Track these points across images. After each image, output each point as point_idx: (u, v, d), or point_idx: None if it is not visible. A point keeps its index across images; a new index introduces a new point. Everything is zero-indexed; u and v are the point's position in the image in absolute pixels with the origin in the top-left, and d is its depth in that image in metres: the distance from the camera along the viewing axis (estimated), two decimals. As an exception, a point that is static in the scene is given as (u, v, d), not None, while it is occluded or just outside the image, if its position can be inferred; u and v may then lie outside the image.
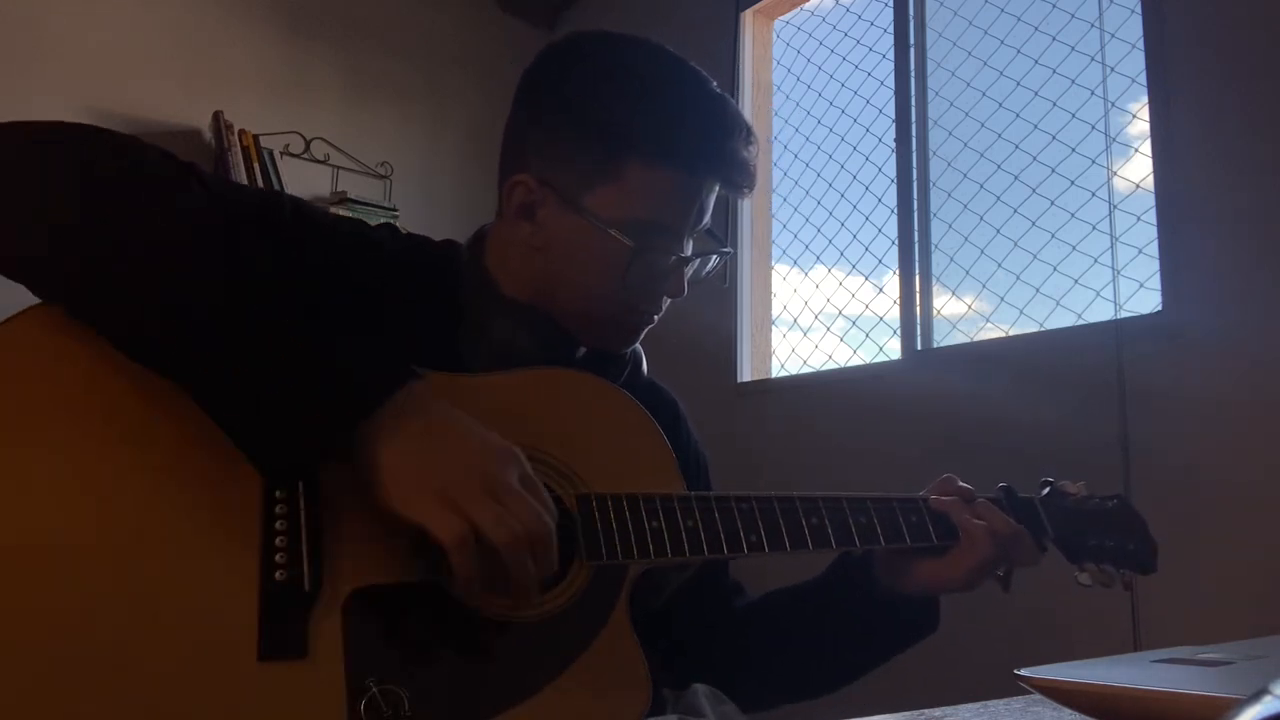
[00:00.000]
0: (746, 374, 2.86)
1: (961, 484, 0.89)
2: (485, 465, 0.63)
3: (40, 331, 0.63)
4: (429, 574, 0.65)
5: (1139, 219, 2.09)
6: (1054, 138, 2.29)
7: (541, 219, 0.83)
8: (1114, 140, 2.19)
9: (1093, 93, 2.23)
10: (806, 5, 3.04)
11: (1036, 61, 2.35)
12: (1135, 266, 2.09)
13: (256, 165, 2.83)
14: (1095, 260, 2.17)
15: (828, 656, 0.92)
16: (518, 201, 0.84)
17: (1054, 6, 2.33)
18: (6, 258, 0.64)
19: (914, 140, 2.56)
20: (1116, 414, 1.91)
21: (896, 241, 2.56)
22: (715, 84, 0.85)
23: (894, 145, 2.61)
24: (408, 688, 0.61)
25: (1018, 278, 2.32)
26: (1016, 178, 2.35)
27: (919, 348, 2.47)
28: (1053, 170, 2.29)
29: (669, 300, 0.87)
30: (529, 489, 0.65)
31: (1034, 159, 2.32)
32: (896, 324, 2.53)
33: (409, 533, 0.64)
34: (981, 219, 2.41)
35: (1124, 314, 2.10)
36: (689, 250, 0.86)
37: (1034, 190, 2.32)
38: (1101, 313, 2.15)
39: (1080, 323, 2.18)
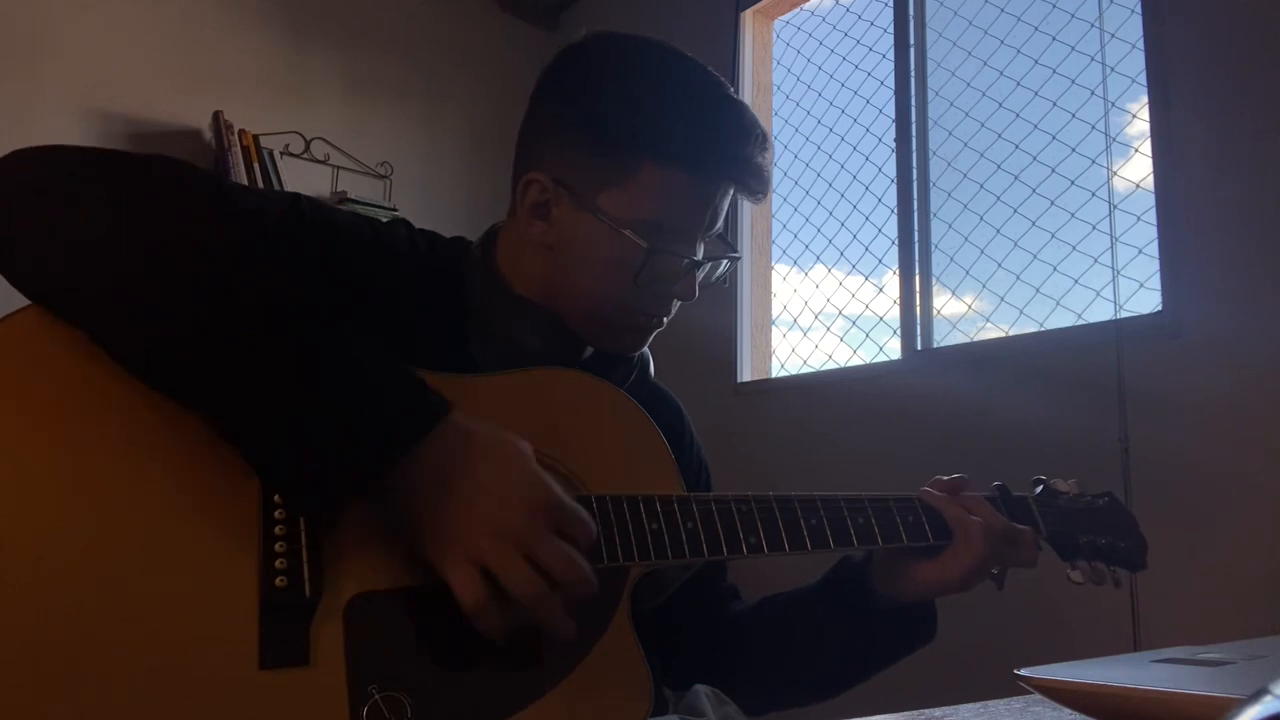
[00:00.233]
0: (746, 374, 2.86)
1: (955, 477, 0.89)
2: (515, 516, 0.62)
3: (37, 333, 0.63)
4: (433, 580, 0.65)
5: (1139, 219, 2.09)
6: (1054, 138, 2.29)
7: (555, 218, 0.83)
8: (1114, 140, 2.19)
9: (1093, 93, 2.23)
10: (806, 5, 3.04)
11: (1036, 61, 2.35)
12: (1135, 266, 2.10)
13: (256, 165, 2.83)
14: (1095, 260, 2.17)
15: (823, 664, 0.92)
16: (531, 200, 0.84)
17: (1054, 6, 2.34)
18: (27, 276, 0.64)
19: (914, 140, 2.56)
20: (1116, 414, 1.91)
21: (896, 241, 2.56)
22: (731, 88, 0.85)
23: (894, 145, 2.61)
24: (410, 694, 0.61)
25: (1018, 278, 2.32)
26: (1016, 178, 2.35)
27: (919, 348, 2.47)
28: (1053, 170, 2.29)
29: (678, 304, 0.87)
30: (566, 526, 0.64)
31: (1034, 159, 2.32)
32: (896, 324, 2.53)
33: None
34: (981, 219, 2.41)
35: (1124, 314, 2.10)
36: (700, 254, 0.86)
37: (1034, 190, 2.32)
38: (1101, 313, 2.15)
39: (1080, 323, 2.18)
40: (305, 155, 3.00)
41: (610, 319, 0.85)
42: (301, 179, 2.96)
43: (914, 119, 2.56)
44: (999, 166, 2.39)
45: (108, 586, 0.57)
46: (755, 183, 0.85)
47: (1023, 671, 0.45)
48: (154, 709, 0.56)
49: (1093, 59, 2.24)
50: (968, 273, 2.44)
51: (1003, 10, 2.44)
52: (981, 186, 2.42)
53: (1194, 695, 0.39)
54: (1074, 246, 2.22)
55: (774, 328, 2.96)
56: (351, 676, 0.60)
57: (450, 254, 0.88)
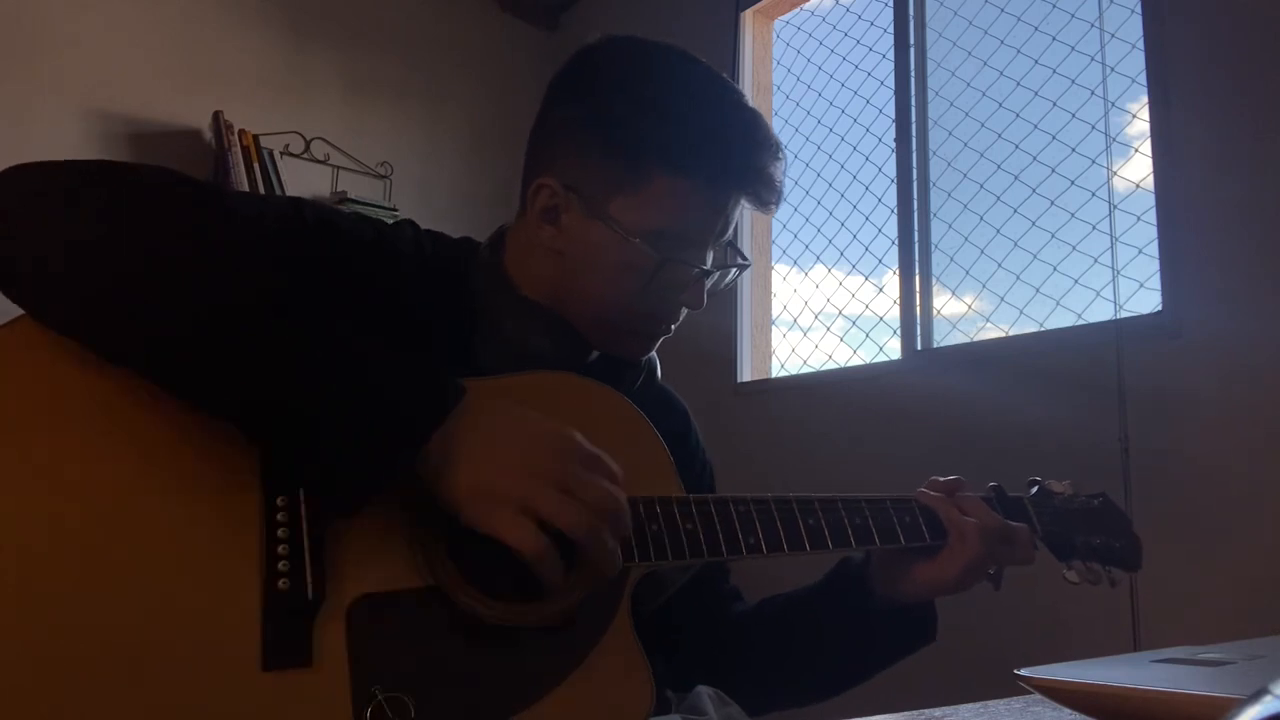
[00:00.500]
0: (746, 374, 2.86)
1: (951, 479, 0.89)
2: (551, 463, 0.64)
3: (39, 337, 0.63)
4: (435, 580, 0.65)
5: (1139, 219, 2.09)
6: (1054, 138, 2.29)
7: (564, 224, 0.83)
8: (1114, 140, 2.19)
9: (1093, 93, 2.23)
10: (806, 5, 3.04)
11: (1036, 61, 2.35)
12: (1135, 266, 2.10)
13: (256, 165, 2.83)
14: (1095, 260, 2.17)
15: (823, 665, 0.92)
16: (541, 205, 0.84)
17: (1054, 6, 2.34)
18: (28, 286, 0.63)
19: (914, 140, 2.56)
20: (1116, 414, 1.91)
21: (896, 241, 2.56)
22: (746, 98, 0.85)
23: (894, 145, 2.61)
24: (413, 695, 0.61)
25: (1018, 278, 2.32)
26: (1016, 178, 2.35)
27: (919, 348, 2.47)
28: (1053, 170, 2.29)
29: (686, 311, 0.87)
30: (594, 466, 0.66)
31: (1034, 159, 2.33)
32: (896, 324, 2.53)
33: (412, 538, 0.64)
34: (981, 219, 2.41)
35: (1124, 314, 2.10)
36: (710, 262, 0.86)
37: (1034, 190, 2.32)
38: (1101, 313, 2.15)
39: (1080, 323, 2.18)
40: (305, 155, 3.00)
41: (618, 324, 0.85)
42: (301, 179, 2.96)
43: (914, 119, 2.56)
44: (999, 166, 2.39)
45: (109, 589, 0.57)
46: (767, 193, 0.84)
47: (1023, 671, 0.45)
48: (157, 711, 0.56)
49: (1093, 59, 2.24)
50: (968, 273, 2.44)
51: (1003, 10, 2.44)
52: (981, 186, 2.42)
53: (1194, 695, 0.39)
54: (1074, 246, 2.22)
55: (774, 328, 2.96)
56: (354, 678, 0.60)
57: (456, 255, 0.88)
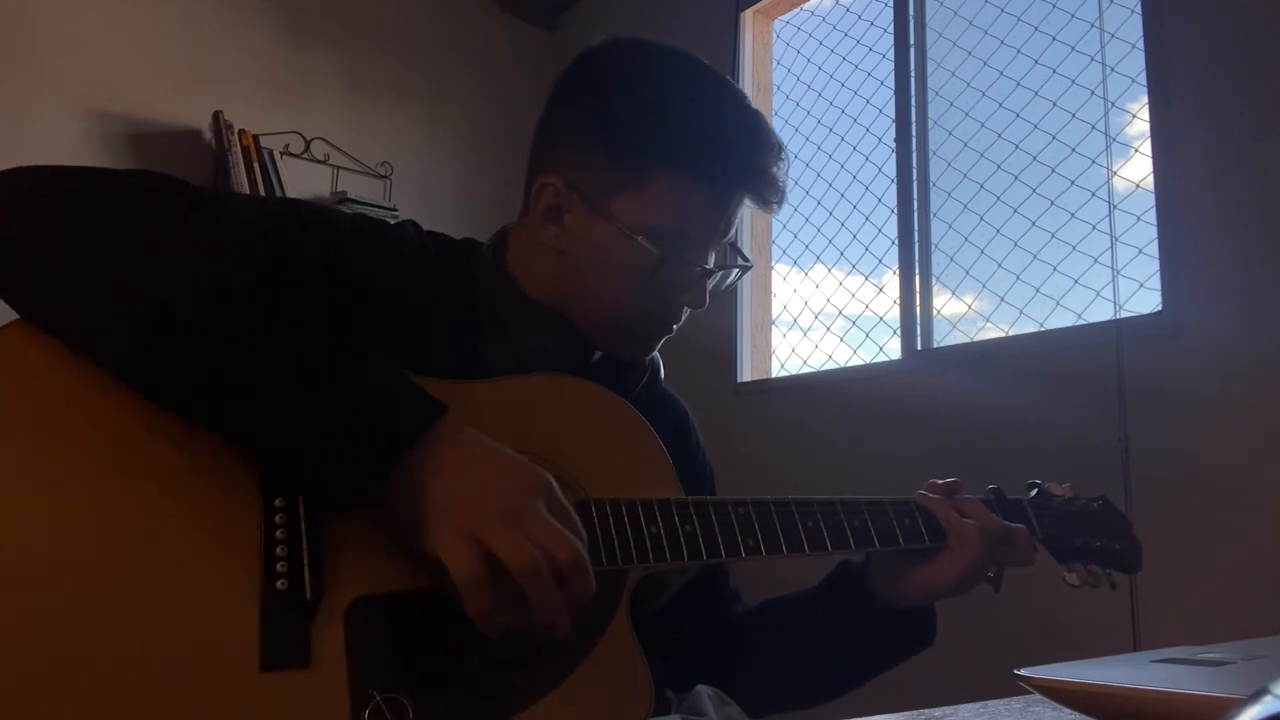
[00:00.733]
0: (746, 374, 2.86)
1: (949, 481, 0.89)
2: (508, 494, 0.62)
3: (32, 342, 0.63)
4: (433, 582, 0.65)
5: (1139, 219, 2.09)
6: (1054, 138, 2.29)
7: (567, 223, 0.83)
8: (1114, 140, 2.19)
9: (1093, 93, 2.23)
10: (806, 5, 3.04)
11: (1036, 61, 2.35)
12: (1135, 266, 2.10)
13: (256, 165, 2.83)
14: (1095, 260, 2.17)
15: (823, 667, 0.93)
16: (545, 203, 0.84)
17: (1054, 6, 2.34)
18: (21, 293, 0.63)
19: (914, 140, 2.56)
20: (1116, 414, 1.91)
21: (896, 241, 2.56)
22: (750, 99, 0.86)
23: (894, 145, 2.61)
24: (411, 696, 0.61)
25: (1018, 278, 2.32)
26: (1016, 178, 2.35)
27: (919, 348, 2.47)
28: (1053, 170, 2.29)
29: (688, 311, 0.87)
30: (558, 515, 0.63)
31: (1034, 159, 2.33)
32: (896, 324, 2.53)
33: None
34: (981, 219, 2.41)
35: (1124, 314, 2.10)
36: (712, 262, 0.86)
37: (1034, 190, 2.32)
38: (1101, 313, 2.15)
39: (1080, 323, 2.18)
40: (305, 155, 3.00)
41: (620, 324, 0.85)
42: (301, 179, 2.96)
43: (914, 119, 2.56)
44: (999, 166, 2.39)
45: (107, 590, 0.57)
46: (770, 194, 0.85)
47: (1023, 671, 0.45)
48: (155, 712, 0.56)
49: (1093, 59, 2.24)
50: (968, 273, 2.44)
51: (1003, 10, 2.44)
52: (981, 186, 2.42)
53: (1194, 695, 0.39)
54: (1074, 246, 2.22)
55: (774, 328, 2.96)
56: (353, 679, 0.60)
57: (459, 255, 0.88)
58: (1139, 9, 2.11)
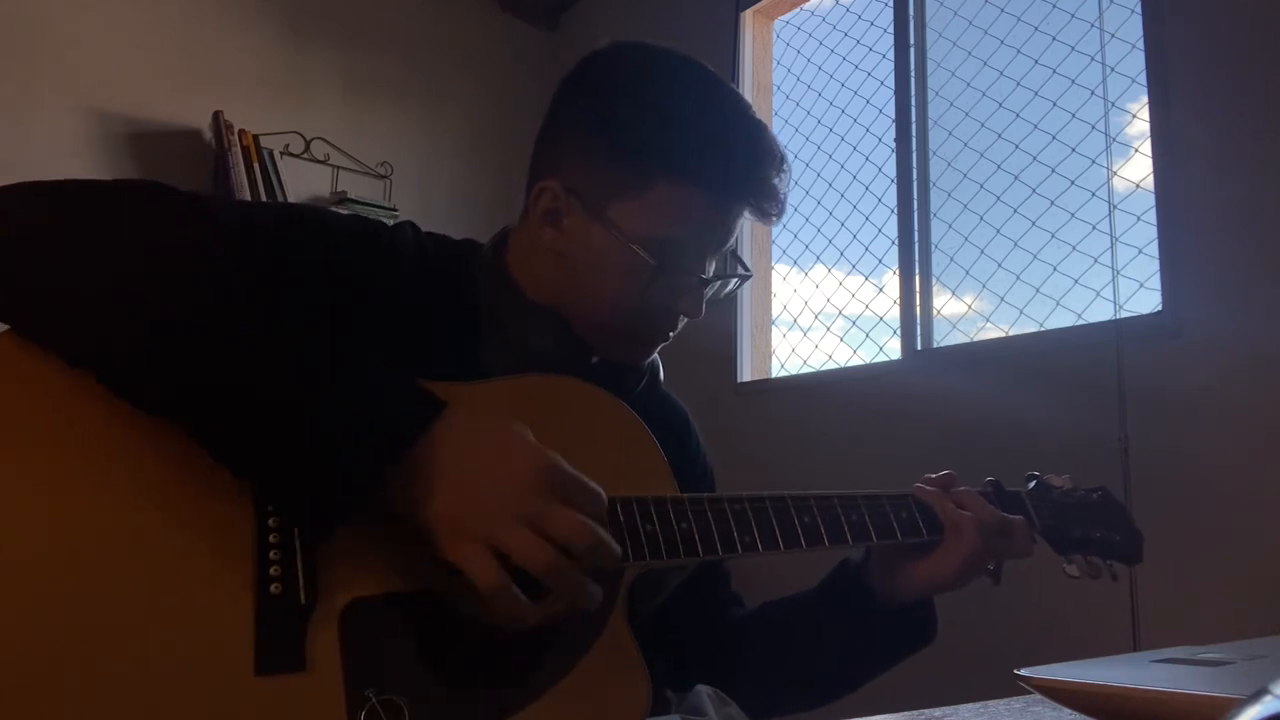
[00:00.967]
0: (746, 374, 2.86)
1: (944, 474, 0.89)
2: (516, 489, 0.62)
3: (26, 347, 0.62)
4: (428, 584, 0.65)
5: (1139, 219, 2.09)
6: (1054, 138, 2.29)
7: (566, 226, 0.83)
8: (1114, 140, 2.19)
9: (1093, 93, 2.23)
10: (806, 5, 3.04)
11: (1036, 61, 2.35)
12: (1135, 266, 2.10)
13: (256, 165, 2.83)
14: (1095, 260, 2.17)
15: (824, 667, 0.92)
16: (543, 207, 0.84)
17: (1054, 6, 2.34)
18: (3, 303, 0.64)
19: (914, 140, 2.56)
20: (1116, 414, 1.91)
21: (896, 241, 2.56)
22: (753, 109, 0.85)
23: (894, 145, 2.61)
24: (407, 698, 0.61)
25: (1018, 278, 2.32)
26: (1016, 178, 2.35)
27: (919, 348, 2.47)
28: (1053, 170, 2.29)
29: (685, 319, 0.87)
30: (570, 489, 0.64)
31: (1034, 159, 2.33)
32: (896, 324, 2.53)
33: (404, 541, 0.64)
34: (981, 219, 2.41)
35: (1124, 314, 2.10)
36: (710, 271, 0.85)
37: (1034, 190, 2.32)
38: (1101, 313, 2.15)
39: (1080, 323, 2.18)
40: (305, 155, 3.00)
41: (616, 329, 0.85)
42: (301, 179, 2.96)
43: (914, 119, 2.56)
44: (999, 166, 2.39)
45: (102, 595, 0.57)
46: (770, 205, 0.84)
47: (1023, 671, 0.45)
48: (151, 716, 0.56)
49: (1093, 59, 2.24)
50: (968, 273, 2.44)
51: (1003, 10, 2.44)
52: (981, 186, 2.42)
53: (1194, 695, 0.39)
54: (1074, 246, 2.22)
55: (774, 328, 2.96)
56: (348, 682, 0.60)
57: (458, 255, 0.88)
58: (1139, 9, 2.11)
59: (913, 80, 2.59)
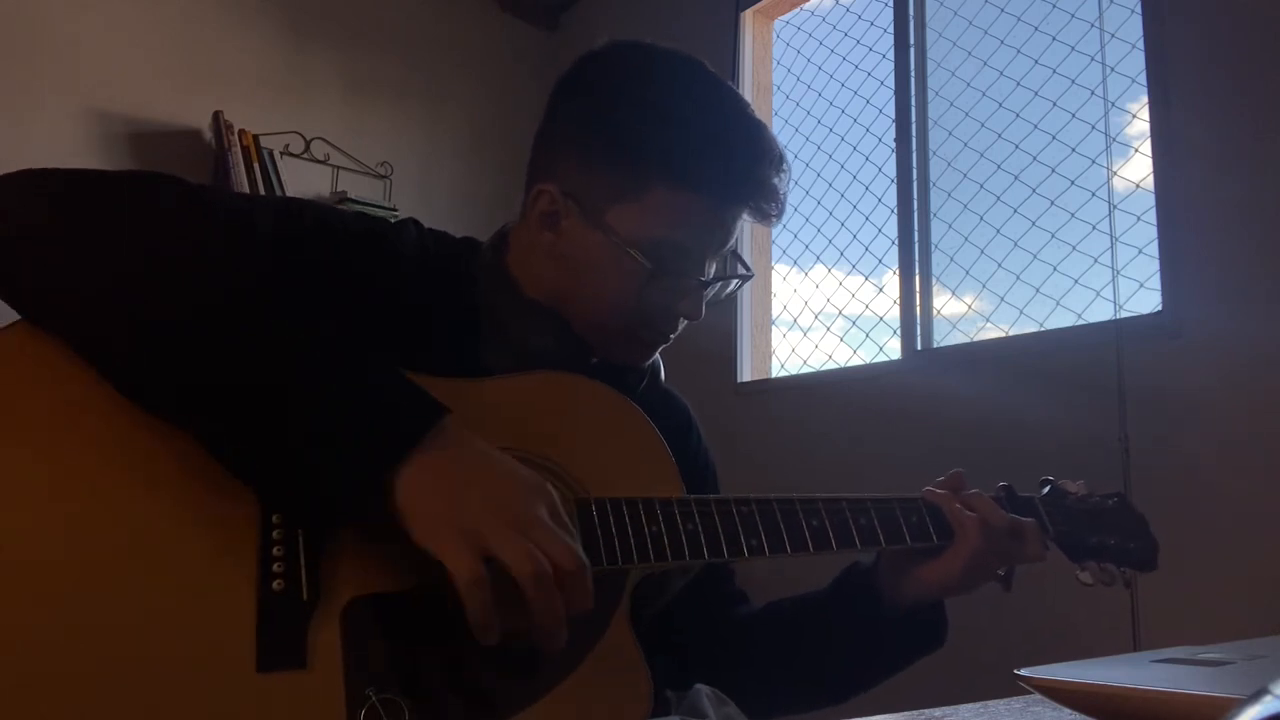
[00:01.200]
0: (746, 374, 2.86)
1: (954, 474, 0.89)
2: (512, 500, 0.62)
3: (33, 342, 0.63)
4: (430, 583, 0.64)
5: (1139, 219, 2.09)
6: (1054, 138, 2.29)
7: (563, 229, 0.83)
8: (1114, 140, 2.19)
9: (1093, 93, 2.23)
10: (806, 5, 3.04)
11: (1036, 61, 2.35)
12: (1135, 266, 2.10)
13: (256, 165, 2.83)
14: (1095, 260, 2.17)
15: (832, 669, 0.92)
16: (540, 210, 0.83)
17: (1054, 6, 2.34)
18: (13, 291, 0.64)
19: (914, 140, 2.56)
20: (1116, 414, 1.90)
21: (896, 241, 2.56)
22: (751, 108, 0.84)
23: (894, 145, 2.61)
24: (408, 697, 0.60)
25: (1018, 278, 2.32)
26: (1016, 178, 2.35)
27: (919, 348, 2.47)
28: (1053, 170, 2.29)
29: (685, 322, 0.86)
30: (559, 525, 0.63)
31: (1034, 159, 2.33)
32: (896, 324, 2.53)
33: (406, 539, 0.64)
34: (981, 219, 2.41)
35: (1124, 314, 2.10)
36: (710, 273, 0.85)
37: (1034, 190, 2.32)
38: (1101, 313, 2.15)
39: (1080, 323, 2.18)
40: (305, 155, 3.00)
41: (615, 330, 0.84)
42: (301, 179, 2.96)
43: (914, 119, 2.56)
44: (999, 166, 2.39)
45: (105, 591, 0.57)
46: (769, 206, 0.84)
47: (1023, 671, 0.45)
48: (152, 713, 0.56)
49: (1093, 59, 2.24)
50: (968, 273, 2.44)
51: (1003, 10, 2.44)
52: (981, 186, 2.42)
53: (1194, 695, 0.39)
54: (1074, 246, 2.22)
55: (774, 328, 2.96)
56: (349, 680, 0.60)
57: (459, 254, 0.87)
58: (1139, 9, 2.11)
59: (913, 80, 2.59)
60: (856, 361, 2.67)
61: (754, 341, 2.91)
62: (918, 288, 2.49)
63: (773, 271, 3.01)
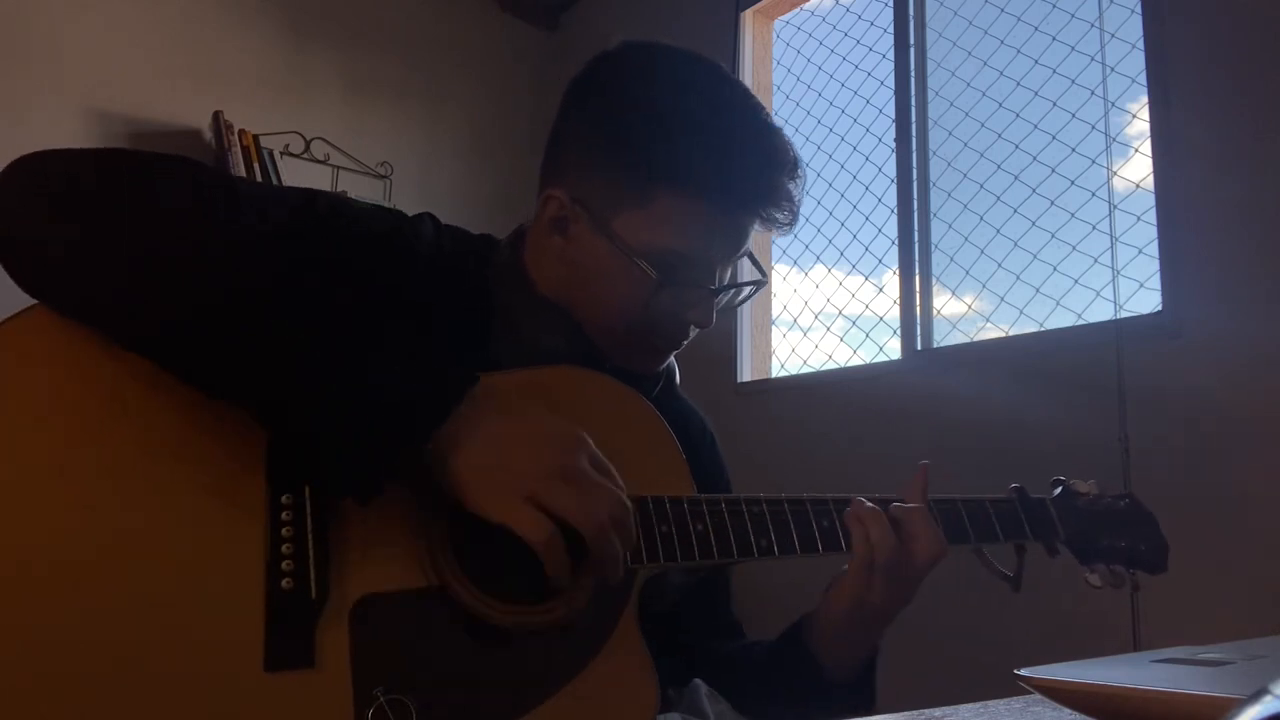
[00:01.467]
0: (746, 374, 2.86)
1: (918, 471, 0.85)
2: (559, 457, 0.64)
3: (41, 332, 0.63)
4: (439, 580, 0.64)
5: (1139, 219, 2.09)
6: (1054, 138, 2.29)
7: (572, 235, 0.82)
8: (1114, 140, 2.19)
9: (1093, 93, 2.23)
10: (806, 5, 3.04)
11: (1036, 61, 2.35)
12: (1135, 266, 2.09)
13: (256, 165, 2.83)
14: (1095, 260, 2.17)
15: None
16: (550, 215, 0.82)
17: (1054, 6, 2.33)
18: (29, 273, 0.64)
19: (914, 140, 2.56)
20: (1116, 414, 1.90)
21: (896, 241, 2.56)
22: (766, 112, 0.82)
23: (894, 145, 2.61)
24: (415, 697, 0.60)
25: (1018, 278, 2.32)
26: (1016, 178, 2.35)
27: (919, 348, 2.47)
28: (1053, 170, 2.29)
29: (695, 330, 0.85)
30: (600, 470, 0.66)
31: (1034, 159, 2.32)
32: (896, 324, 2.53)
33: (415, 537, 0.64)
34: (981, 219, 2.41)
35: (1124, 314, 2.10)
36: (722, 280, 0.83)
37: (1034, 190, 2.32)
38: (1101, 313, 2.15)
39: (1080, 323, 2.18)
40: (305, 155, 3.00)
41: (625, 337, 0.83)
42: (301, 179, 2.96)
43: (914, 119, 2.56)
44: (999, 166, 2.39)
45: (113, 587, 0.57)
46: (781, 214, 0.81)
47: (1023, 671, 0.45)
48: (159, 711, 0.56)
49: (1093, 59, 2.24)
50: (968, 273, 2.44)
51: (1003, 10, 2.44)
52: (981, 186, 2.42)
53: (1194, 695, 0.39)
54: (1074, 246, 2.22)
55: (774, 328, 2.96)
56: (357, 679, 0.60)
57: (474, 251, 0.87)
58: (1139, 9, 2.11)
59: (913, 80, 2.59)
60: (856, 361, 2.67)
61: (754, 341, 2.91)
62: (918, 288, 2.49)
63: (773, 271, 3.01)
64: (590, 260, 0.81)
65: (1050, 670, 0.45)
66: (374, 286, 0.77)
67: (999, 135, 2.40)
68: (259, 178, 2.82)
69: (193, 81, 2.88)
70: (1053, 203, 2.28)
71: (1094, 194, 2.20)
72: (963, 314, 2.45)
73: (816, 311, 2.83)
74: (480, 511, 0.62)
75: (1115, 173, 2.17)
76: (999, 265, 2.36)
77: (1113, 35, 2.20)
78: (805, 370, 2.81)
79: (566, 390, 0.76)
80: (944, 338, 2.46)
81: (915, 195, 2.53)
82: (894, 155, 2.61)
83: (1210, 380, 1.85)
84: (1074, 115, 2.26)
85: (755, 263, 0.89)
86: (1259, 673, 0.45)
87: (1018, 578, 0.86)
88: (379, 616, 0.62)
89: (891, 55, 2.66)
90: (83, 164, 0.66)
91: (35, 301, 0.64)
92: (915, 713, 0.56)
